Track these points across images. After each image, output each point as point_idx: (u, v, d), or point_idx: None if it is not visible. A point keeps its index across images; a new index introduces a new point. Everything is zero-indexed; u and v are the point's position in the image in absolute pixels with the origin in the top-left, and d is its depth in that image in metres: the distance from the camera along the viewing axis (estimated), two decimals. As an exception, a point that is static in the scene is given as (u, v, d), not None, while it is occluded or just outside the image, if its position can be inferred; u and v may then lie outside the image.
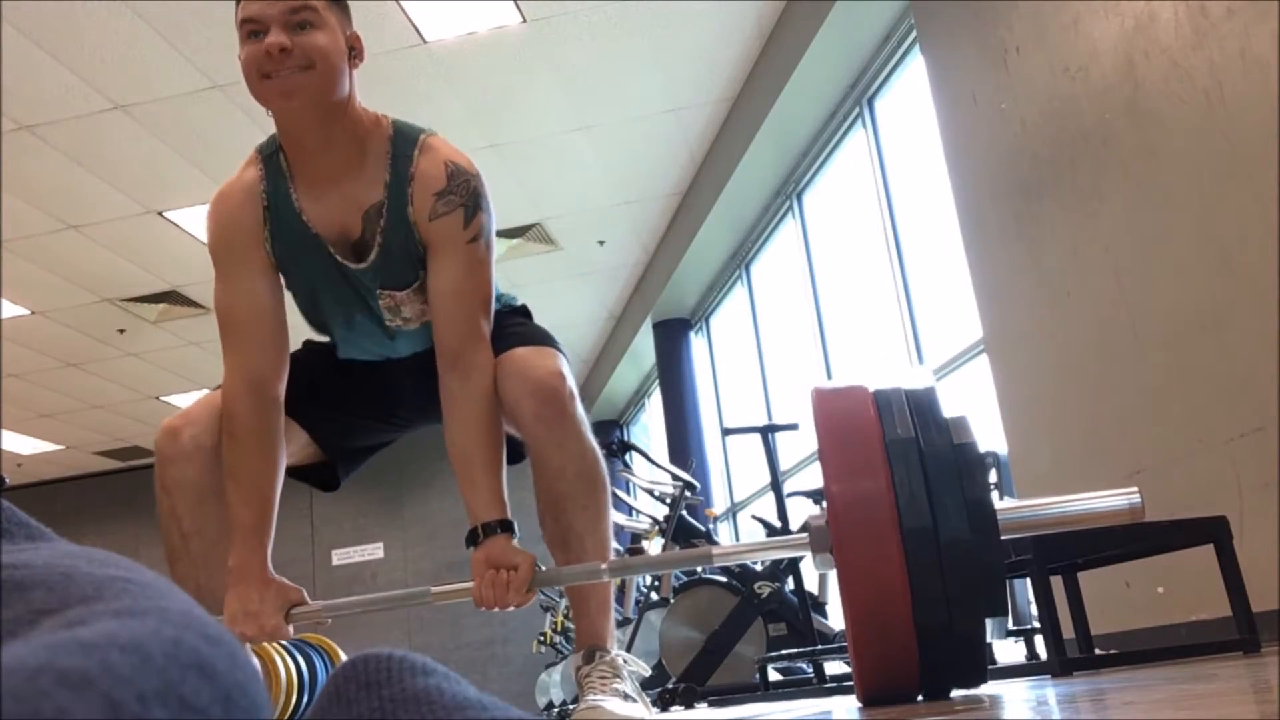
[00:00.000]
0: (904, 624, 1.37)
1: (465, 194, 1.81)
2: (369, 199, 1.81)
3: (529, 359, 1.86)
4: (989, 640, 1.41)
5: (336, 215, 1.82)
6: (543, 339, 1.97)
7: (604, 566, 1.82)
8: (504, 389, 1.84)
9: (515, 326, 1.97)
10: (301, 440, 2.02)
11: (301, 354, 2.05)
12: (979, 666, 1.42)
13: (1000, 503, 1.47)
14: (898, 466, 1.40)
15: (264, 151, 1.85)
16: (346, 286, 1.87)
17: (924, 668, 1.40)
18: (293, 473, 2.03)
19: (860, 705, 1.52)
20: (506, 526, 1.78)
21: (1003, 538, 1.46)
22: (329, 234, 1.83)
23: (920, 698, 1.47)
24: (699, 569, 5.57)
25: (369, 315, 1.91)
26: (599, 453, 1.89)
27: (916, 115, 4.89)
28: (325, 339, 2.08)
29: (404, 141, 1.83)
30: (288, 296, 1.92)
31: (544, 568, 1.84)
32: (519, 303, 2.11)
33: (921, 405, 1.48)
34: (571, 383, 1.86)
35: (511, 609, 1.76)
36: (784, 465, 5.90)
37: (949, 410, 1.52)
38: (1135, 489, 1.53)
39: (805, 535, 1.54)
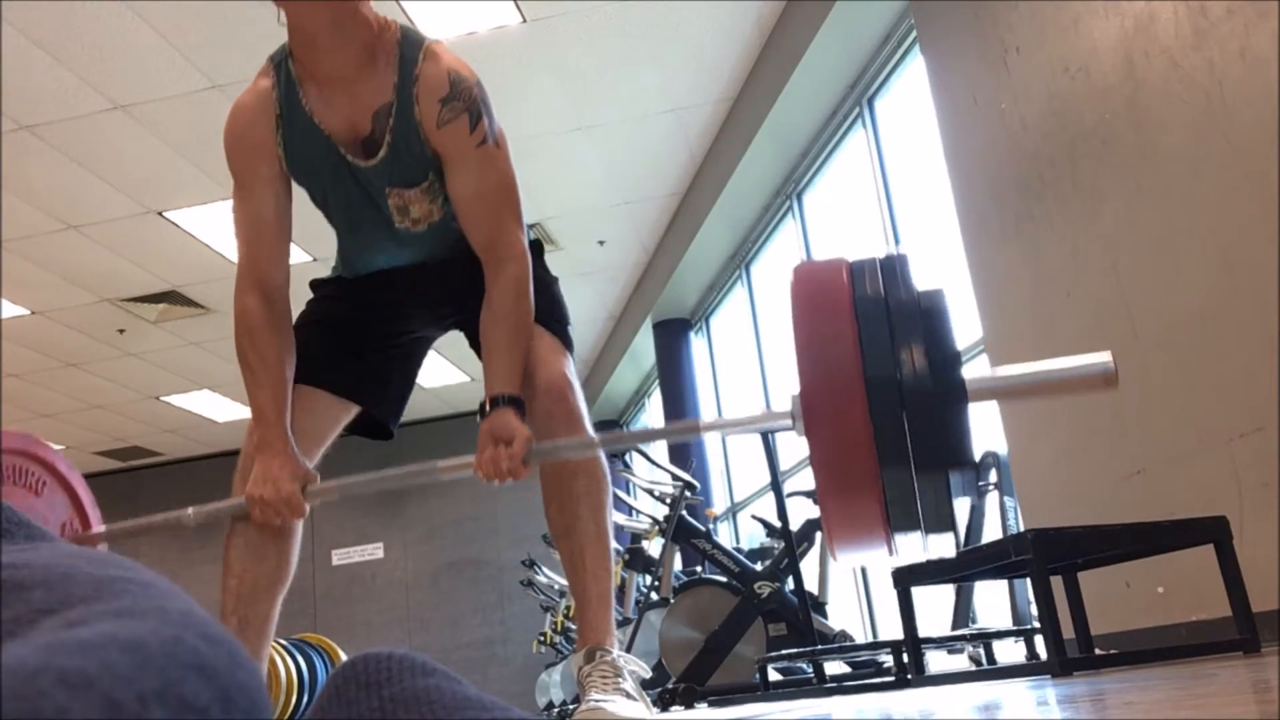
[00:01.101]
0: (870, 480, 1.42)
1: (468, 100, 1.87)
2: (378, 99, 1.86)
3: (539, 360, 1.94)
4: (957, 498, 1.46)
5: (347, 114, 1.87)
6: (552, 326, 2.03)
7: (595, 438, 1.90)
8: None
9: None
10: (340, 406, 2.07)
11: (309, 318, 2.10)
12: (946, 520, 1.47)
13: (970, 373, 1.50)
14: (866, 330, 1.45)
15: (275, 59, 1.91)
16: (356, 188, 1.93)
17: (891, 521, 1.47)
18: (349, 430, 2.13)
19: (835, 557, 1.60)
20: (513, 401, 1.85)
21: (971, 402, 1.50)
22: (340, 133, 1.88)
23: (891, 554, 1.53)
24: (699, 569, 5.56)
25: (377, 217, 1.97)
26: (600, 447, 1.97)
27: (916, 115, 4.90)
28: (329, 277, 2.16)
29: (410, 45, 1.89)
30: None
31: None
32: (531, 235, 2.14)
33: (891, 272, 1.52)
34: (576, 381, 1.97)
35: (510, 482, 1.83)
36: (784, 465, 5.90)
37: (925, 283, 1.57)
38: (1108, 352, 1.53)
39: (788, 408, 1.56)
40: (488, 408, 1.84)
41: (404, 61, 1.86)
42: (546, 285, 2.10)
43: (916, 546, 1.50)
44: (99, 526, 2.06)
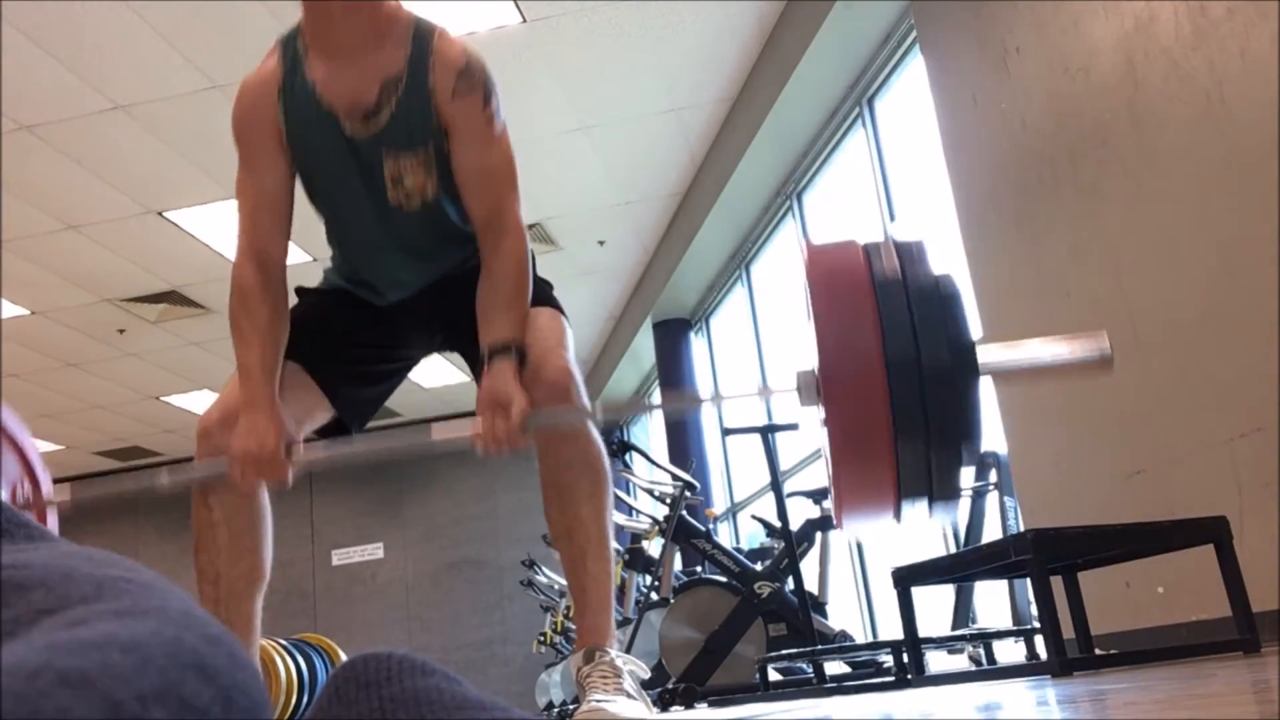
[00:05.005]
0: (884, 448, 1.49)
1: (482, 78, 1.91)
2: (388, 70, 1.87)
3: (546, 351, 1.91)
4: (963, 466, 1.55)
5: (352, 84, 1.87)
6: (554, 304, 2.03)
7: (598, 413, 1.89)
8: None
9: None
10: (319, 400, 2.05)
11: (306, 315, 2.08)
12: (952, 487, 1.55)
13: (980, 350, 1.58)
14: (885, 306, 1.52)
15: (283, 39, 1.93)
16: (353, 162, 1.91)
17: (902, 488, 1.53)
18: (317, 433, 2.09)
19: (838, 525, 1.68)
20: (515, 350, 1.84)
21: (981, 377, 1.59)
22: (342, 104, 1.88)
23: (895, 518, 1.59)
24: (699, 569, 5.55)
25: (367, 195, 1.94)
26: (603, 446, 1.95)
27: (916, 115, 4.90)
28: (322, 287, 2.15)
29: (424, 28, 1.92)
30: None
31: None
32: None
33: (909, 253, 1.59)
34: (579, 377, 1.93)
35: (508, 453, 1.79)
36: (784, 465, 5.90)
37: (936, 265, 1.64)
38: (1103, 332, 1.65)
39: (794, 382, 1.66)
40: (487, 358, 1.82)
41: (418, 38, 1.89)
42: (543, 280, 2.11)
43: (923, 514, 1.54)
44: (48, 487, 1.87)
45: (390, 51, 1.87)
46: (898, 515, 1.56)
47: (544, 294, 2.06)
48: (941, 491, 1.52)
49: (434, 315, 2.08)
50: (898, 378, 1.47)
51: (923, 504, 1.53)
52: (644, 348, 9.18)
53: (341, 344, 2.08)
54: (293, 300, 2.10)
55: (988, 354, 1.58)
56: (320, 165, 1.94)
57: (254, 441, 1.75)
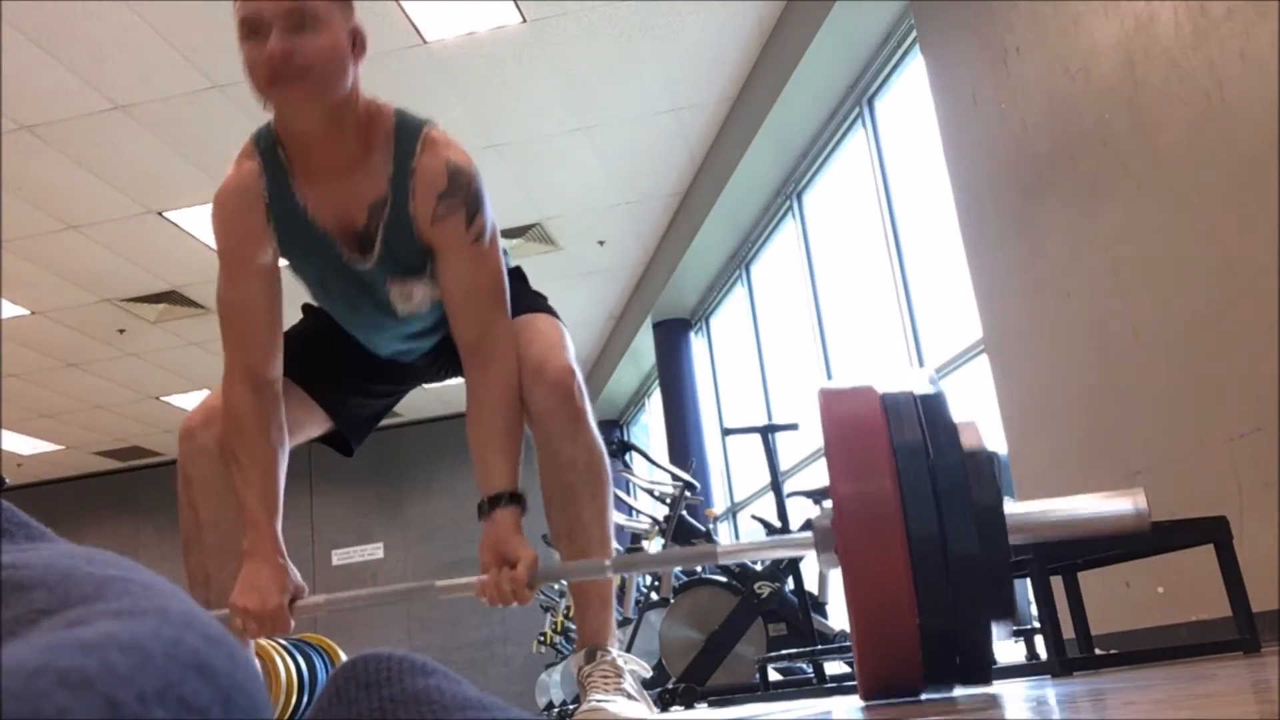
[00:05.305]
0: (908, 625, 1.39)
1: (466, 194, 1.81)
2: (373, 192, 1.79)
3: (548, 348, 1.91)
4: (995, 639, 1.43)
5: (340, 207, 1.80)
6: (554, 330, 2.01)
7: (607, 563, 1.84)
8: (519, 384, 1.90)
9: (522, 308, 1.98)
10: (316, 415, 2.05)
11: (307, 331, 2.07)
12: (983, 668, 1.44)
13: (1006, 506, 1.47)
14: (905, 472, 1.41)
15: (260, 144, 1.83)
16: (354, 282, 1.87)
17: (927, 668, 1.41)
18: (319, 441, 2.11)
19: (863, 704, 1.54)
20: (515, 499, 1.79)
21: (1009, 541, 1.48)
22: (333, 226, 1.81)
23: (922, 695, 1.49)
24: (699, 569, 5.56)
25: (376, 306, 1.91)
26: (604, 447, 1.95)
27: (916, 115, 4.90)
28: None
29: (406, 134, 1.82)
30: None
31: (551, 558, 1.86)
32: (512, 264, 2.09)
33: (930, 410, 1.49)
34: (581, 377, 1.91)
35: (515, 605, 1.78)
36: (784, 465, 5.90)
37: (958, 415, 1.53)
38: (1140, 490, 1.53)
39: (809, 534, 1.54)
40: (486, 507, 1.78)
41: (400, 154, 1.79)
42: (522, 282, 2.08)
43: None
44: None
45: (375, 166, 1.78)
46: (924, 690, 1.49)
47: (539, 304, 2.06)
48: (970, 675, 1.45)
49: (437, 355, 2.09)
50: (920, 557, 1.38)
51: (950, 686, 1.46)
52: (644, 348, 9.18)
53: (343, 361, 2.07)
54: (297, 316, 2.11)
55: (1019, 515, 1.50)
56: (321, 278, 1.90)
57: (256, 599, 1.74)
